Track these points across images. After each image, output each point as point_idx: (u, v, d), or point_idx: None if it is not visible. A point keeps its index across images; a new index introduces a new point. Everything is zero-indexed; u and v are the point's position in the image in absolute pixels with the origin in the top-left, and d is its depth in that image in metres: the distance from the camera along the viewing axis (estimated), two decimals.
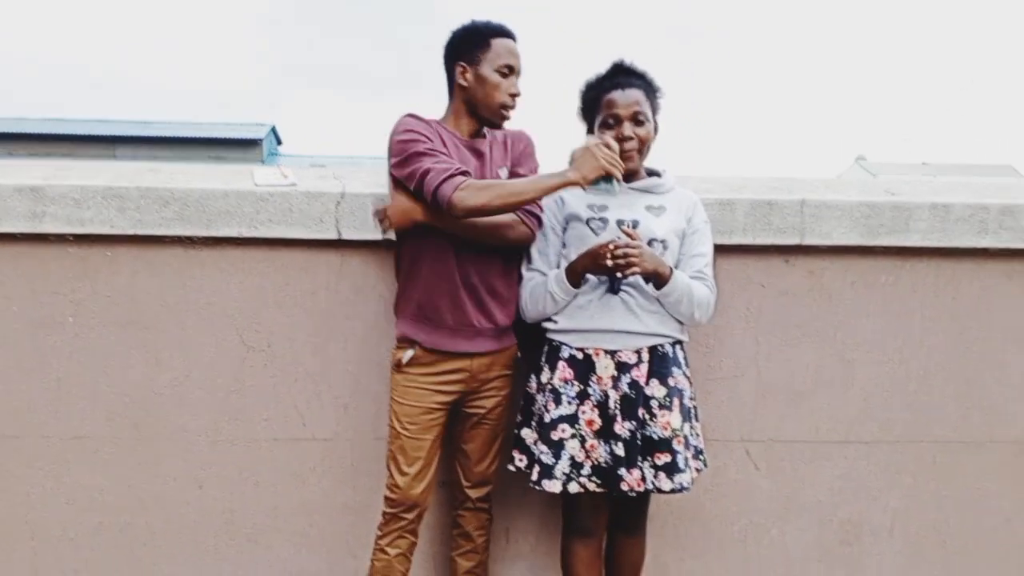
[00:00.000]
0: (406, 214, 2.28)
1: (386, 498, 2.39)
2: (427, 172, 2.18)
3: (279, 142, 33.65)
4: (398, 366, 2.37)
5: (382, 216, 2.36)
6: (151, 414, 2.64)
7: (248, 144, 30.20)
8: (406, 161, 2.23)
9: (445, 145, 2.28)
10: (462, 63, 2.30)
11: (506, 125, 2.38)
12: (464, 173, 2.19)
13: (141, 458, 2.66)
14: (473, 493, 2.50)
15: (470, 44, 2.30)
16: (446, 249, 2.29)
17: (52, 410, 2.62)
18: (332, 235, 2.56)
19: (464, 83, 2.31)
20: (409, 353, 2.34)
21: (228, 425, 2.66)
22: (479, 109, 2.32)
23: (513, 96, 2.31)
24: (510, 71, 2.30)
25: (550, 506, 2.70)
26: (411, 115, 2.32)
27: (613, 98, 2.34)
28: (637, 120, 2.33)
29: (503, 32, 2.31)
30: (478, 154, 2.34)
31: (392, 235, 2.43)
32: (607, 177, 2.17)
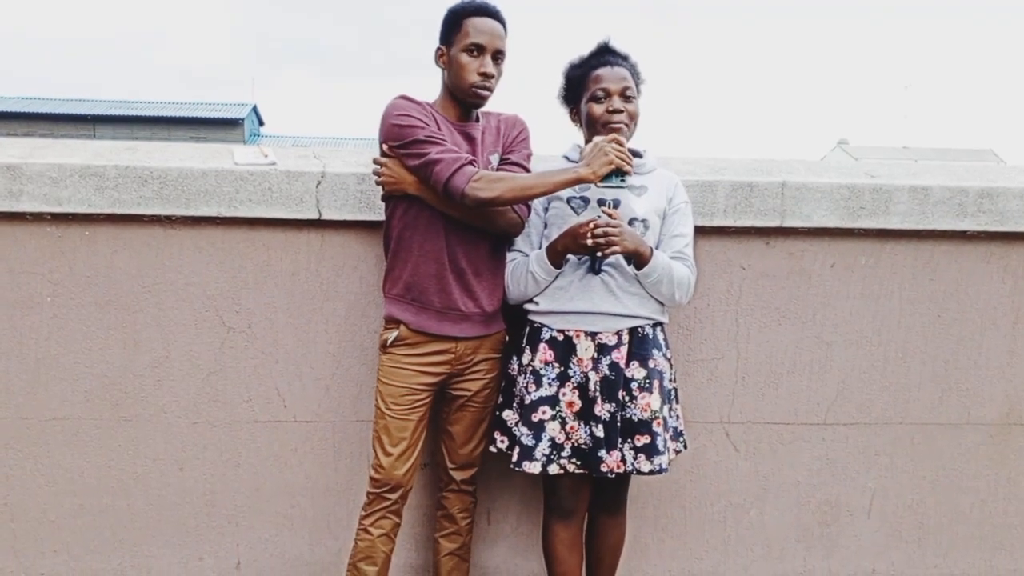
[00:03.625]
0: (398, 184, 2.27)
1: (371, 478, 2.39)
2: (436, 162, 2.16)
3: (261, 122, 33.43)
4: (383, 346, 2.36)
5: (378, 174, 2.32)
6: (131, 395, 2.63)
7: (229, 124, 30.00)
8: (408, 147, 2.21)
9: (439, 129, 2.26)
10: (441, 46, 2.30)
11: (503, 109, 2.37)
12: (471, 163, 2.18)
13: (121, 440, 2.65)
14: (458, 475, 2.50)
15: (448, 26, 2.29)
16: (436, 228, 2.27)
17: (30, 391, 2.60)
18: (312, 215, 2.55)
19: (442, 66, 2.31)
20: (394, 333, 2.33)
21: (209, 407, 2.65)
22: (455, 91, 2.30)
23: (484, 75, 2.26)
24: (478, 50, 2.25)
25: (531, 487, 2.71)
26: (404, 97, 2.29)
27: (602, 74, 2.34)
28: (626, 96, 2.34)
29: (478, 11, 2.27)
30: (469, 139, 2.32)
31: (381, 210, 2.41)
32: (618, 172, 2.16)
